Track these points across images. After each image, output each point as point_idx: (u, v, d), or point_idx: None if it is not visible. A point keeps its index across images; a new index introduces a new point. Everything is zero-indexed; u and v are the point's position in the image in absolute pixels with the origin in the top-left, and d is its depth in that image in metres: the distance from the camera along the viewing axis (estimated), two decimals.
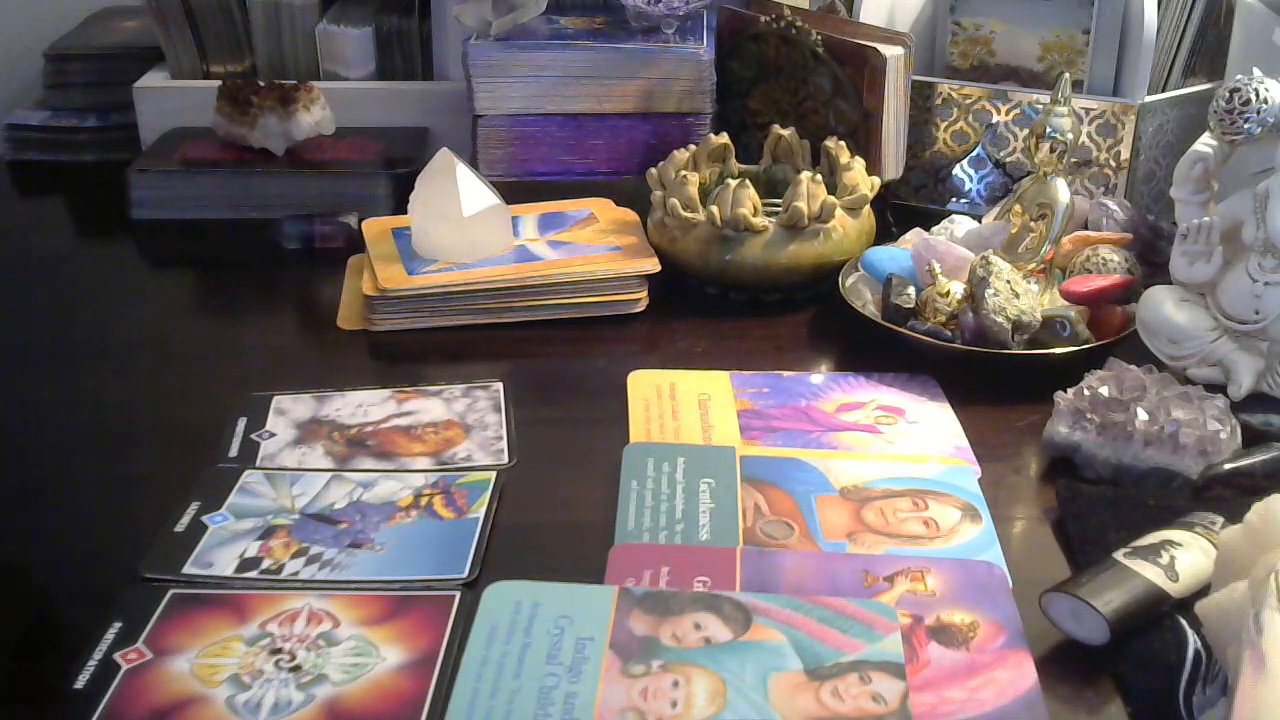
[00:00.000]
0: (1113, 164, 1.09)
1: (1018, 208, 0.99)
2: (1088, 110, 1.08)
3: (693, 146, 1.09)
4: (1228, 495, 0.75)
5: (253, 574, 0.70)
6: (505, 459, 0.81)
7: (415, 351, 0.96)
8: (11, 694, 0.62)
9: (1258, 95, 0.83)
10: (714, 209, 0.99)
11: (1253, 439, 0.79)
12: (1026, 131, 1.09)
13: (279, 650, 0.64)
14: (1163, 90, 1.11)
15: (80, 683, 0.61)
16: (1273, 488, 0.64)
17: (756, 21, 1.17)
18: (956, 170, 1.15)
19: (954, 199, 1.16)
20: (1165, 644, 0.63)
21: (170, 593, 0.68)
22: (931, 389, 0.89)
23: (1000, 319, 0.88)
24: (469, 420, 0.85)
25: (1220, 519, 0.69)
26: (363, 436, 0.84)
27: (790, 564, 0.70)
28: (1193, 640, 0.62)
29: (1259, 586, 0.55)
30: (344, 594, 0.68)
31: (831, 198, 1.00)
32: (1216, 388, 0.83)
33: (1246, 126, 0.84)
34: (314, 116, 1.20)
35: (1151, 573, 0.65)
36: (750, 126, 1.21)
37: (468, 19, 1.17)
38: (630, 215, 1.10)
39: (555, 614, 0.65)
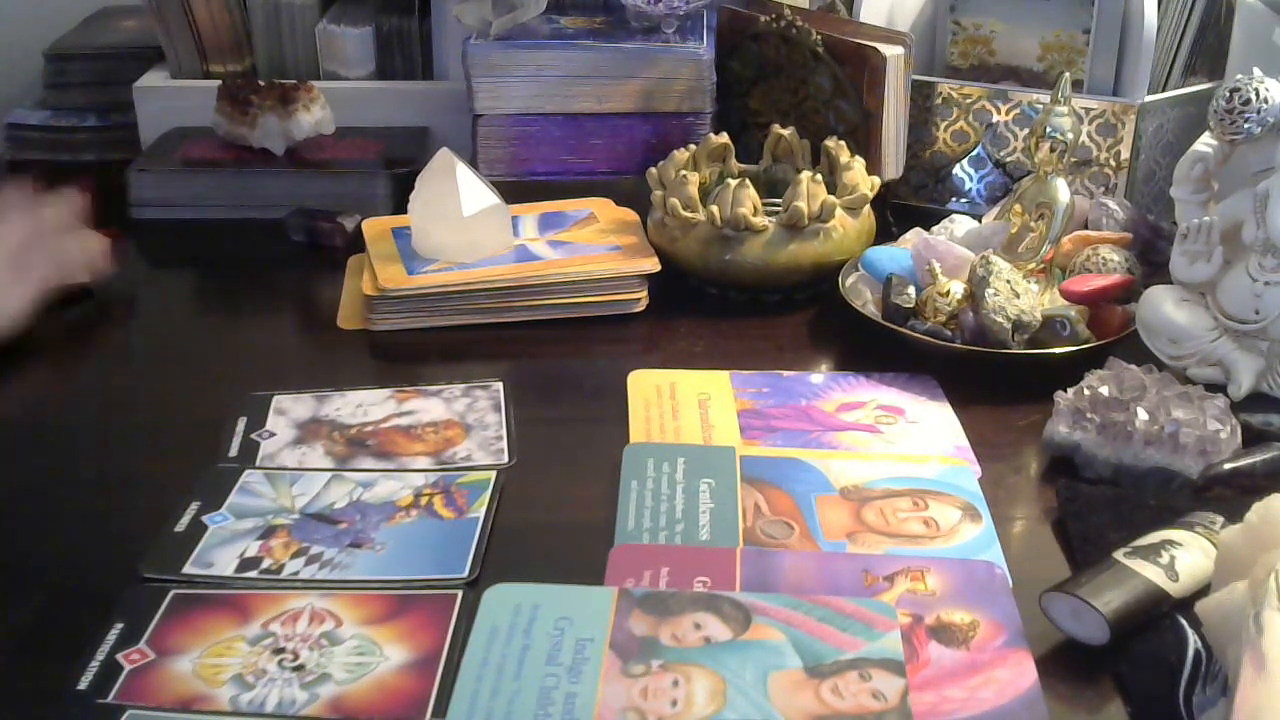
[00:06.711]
0: (1113, 164, 1.09)
1: (1018, 207, 0.99)
2: (1088, 110, 1.08)
3: (693, 146, 1.09)
4: (1228, 495, 0.75)
5: (253, 574, 0.70)
6: (505, 459, 0.81)
7: (415, 351, 0.96)
8: (14, 695, 0.62)
9: (1258, 95, 0.83)
10: (714, 209, 1.00)
11: (1253, 439, 0.79)
12: (1026, 131, 1.10)
13: (282, 650, 0.64)
14: (1163, 90, 1.11)
15: (83, 684, 0.61)
16: (1273, 487, 0.64)
17: (756, 21, 1.17)
18: (956, 170, 1.16)
19: (954, 199, 1.16)
20: (1165, 644, 0.63)
21: (172, 593, 0.68)
22: (931, 389, 0.89)
23: (1000, 319, 0.88)
24: (469, 420, 0.86)
25: (1220, 519, 0.69)
26: (363, 436, 0.84)
27: (790, 564, 0.70)
28: (1193, 640, 0.62)
29: (1259, 586, 0.55)
30: (346, 593, 0.68)
31: (831, 197, 1.00)
32: (1216, 388, 0.83)
33: (1246, 126, 0.84)
34: (314, 116, 1.20)
35: (1151, 573, 0.65)
36: (750, 126, 1.21)
37: (468, 19, 1.17)
38: (630, 215, 1.10)
39: (555, 615, 0.65)
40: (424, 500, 0.76)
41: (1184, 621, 0.64)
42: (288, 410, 0.87)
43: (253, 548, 0.72)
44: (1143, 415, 0.78)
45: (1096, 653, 0.63)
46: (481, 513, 0.75)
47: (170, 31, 1.29)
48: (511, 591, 0.67)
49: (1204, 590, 0.62)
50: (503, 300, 0.99)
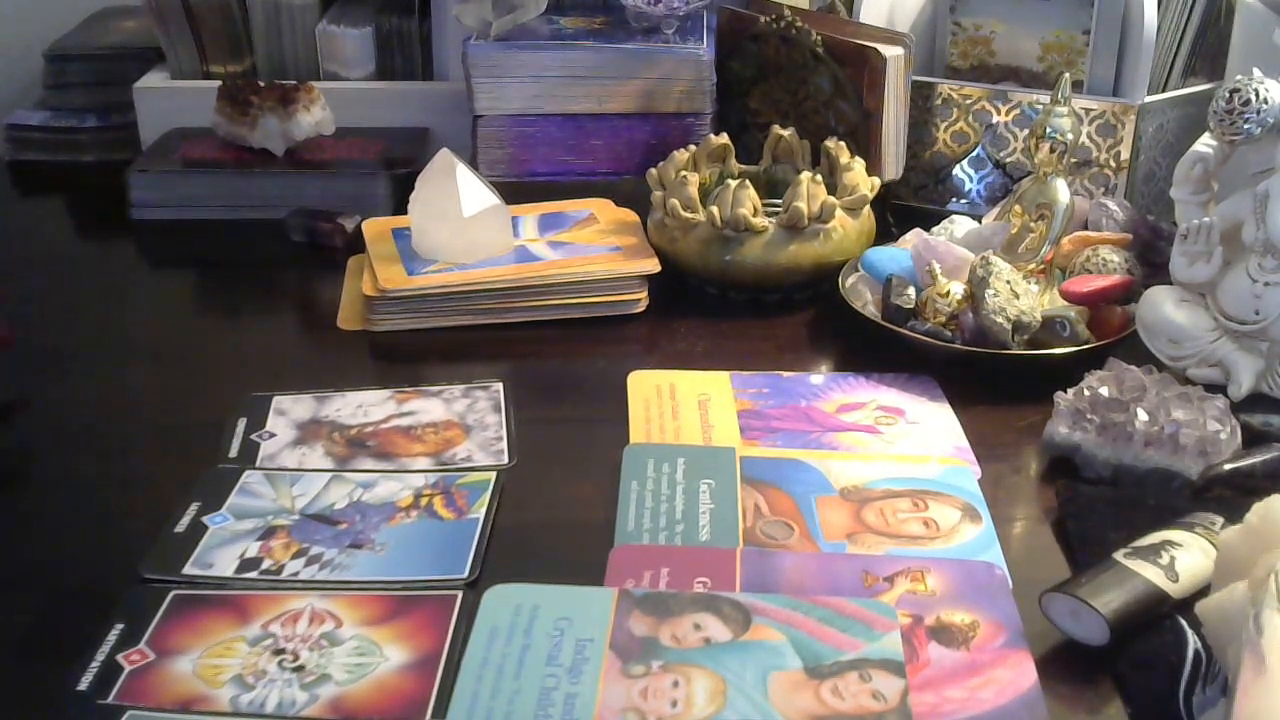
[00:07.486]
0: (1113, 164, 1.09)
1: (1018, 208, 0.99)
2: (1088, 110, 1.08)
3: (693, 146, 1.09)
4: (1228, 495, 0.75)
5: (253, 574, 0.70)
6: (505, 459, 0.81)
7: (415, 351, 0.96)
8: (14, 695, 0.62)
9: (1258, 95, 0.83)
10: (714, 209, 1.00)
11: (1253, 439, 0.79)
12: (1026, 132, 1.09)
13: (282, 650, 0.64)
14: (1163, 90, 1.11)
15: (83, 684, 0.61)
16: (1273, 488, 0.64)
17: (756, 21, 1.17)
18: (956, 170, 1.16)
19: (954, 199, 1.16)
20: (1165, 644, 0.63)
21: (172, 593, 0.68)
22: (931, 389, 0.89)
23: (1000, 319, 0.88)
24: (469, 420, 0.86)
25: (1220, 519, 0.69)
26: (363, 437, 0.84)
27: (790, 565, 0.70)
28: (1193, 640, 0.62)
29: (1259, 587, 0.55)
30: (346, 594, 0.68)
31: (831, 198, 1.00)
32: (1216, 388, 0.83)
33: (1246, 126, 0.84)
34: (314, 116, 1.21)
35: (1151, 573, 0.65)
36: (750, 126, 1.21)
37: (468, 19, 1.17)
38: (630, 215, 1.10)
39: (555, 616, 0.65)
40: (424, 501, 0.76)
41: (1184, 622, 0.64)
42: (288, 411, 0.87)
43: (253, 548, 0.72)
44: (1143, 416, 0.78)
45: (1096, 653, 0.63)
46: (481, 513, 0.75)
47: (170, 32, 1.29)
48: (511, 592, 0.67)
49: (1204, 590, 0.62)
50: (503, 301, 0.99)
